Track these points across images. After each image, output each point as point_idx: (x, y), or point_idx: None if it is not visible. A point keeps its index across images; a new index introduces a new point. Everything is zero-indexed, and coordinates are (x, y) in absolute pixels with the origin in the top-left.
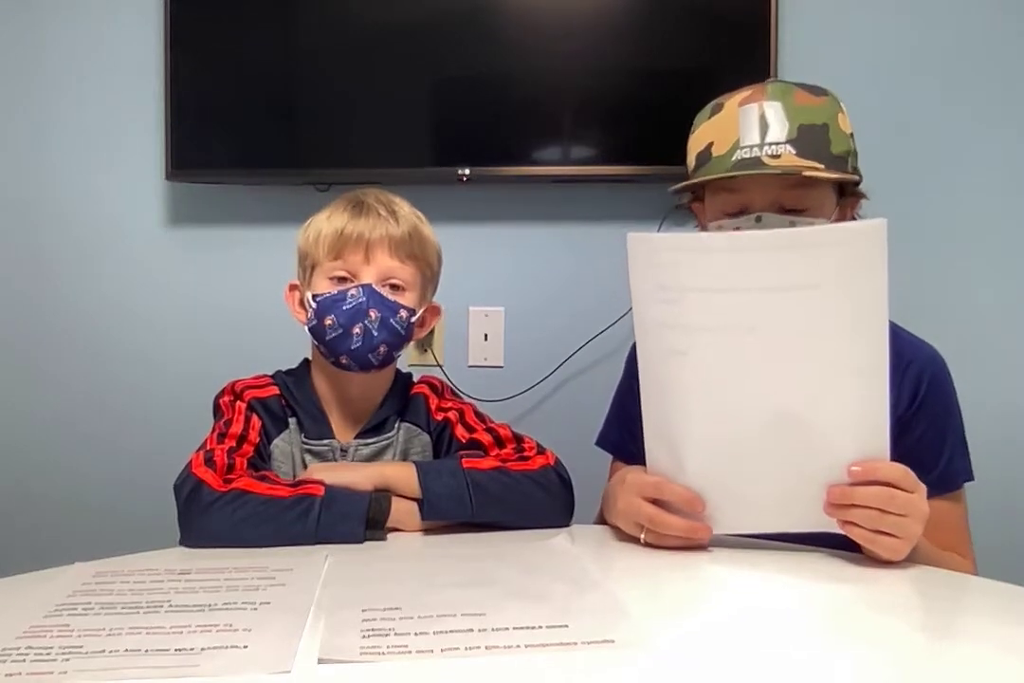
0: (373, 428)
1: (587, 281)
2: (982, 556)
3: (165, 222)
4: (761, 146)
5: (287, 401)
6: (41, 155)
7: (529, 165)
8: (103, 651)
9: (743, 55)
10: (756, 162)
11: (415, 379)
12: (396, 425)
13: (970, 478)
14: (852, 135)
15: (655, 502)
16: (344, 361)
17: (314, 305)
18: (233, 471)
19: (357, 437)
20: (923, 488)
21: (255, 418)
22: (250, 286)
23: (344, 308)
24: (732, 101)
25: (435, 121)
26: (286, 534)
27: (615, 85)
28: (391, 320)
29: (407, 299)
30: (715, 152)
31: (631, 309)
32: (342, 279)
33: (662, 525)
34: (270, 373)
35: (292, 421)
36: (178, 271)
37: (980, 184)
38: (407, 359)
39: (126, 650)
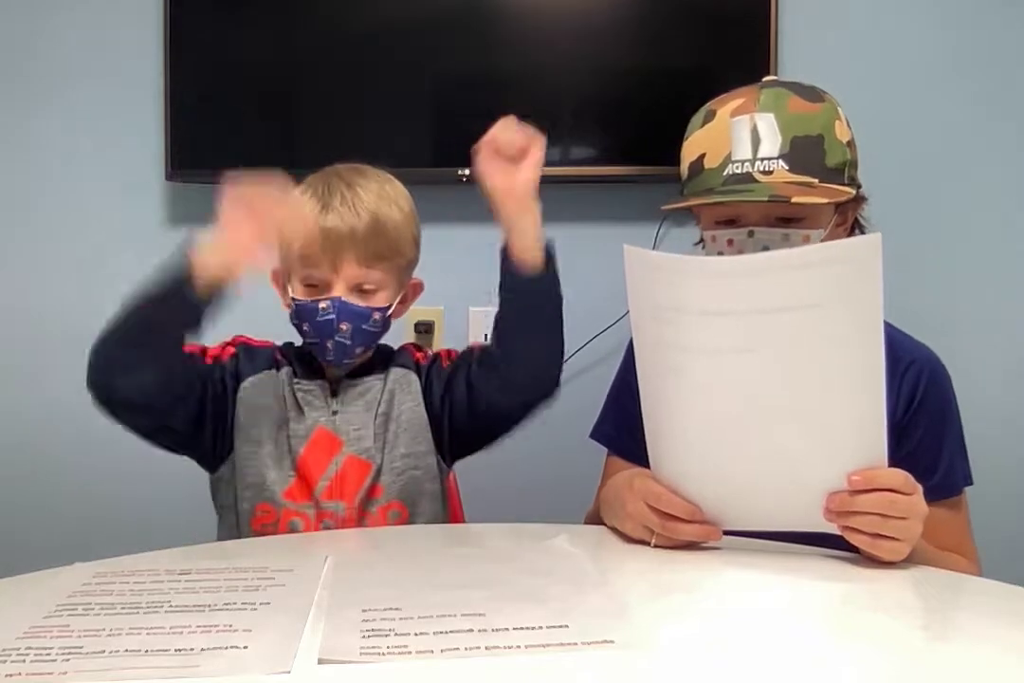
0: (359, 372)
1: (586, 281)
2: (982, 557)
3: (165, 222)
4: (753, 161)
5: (283, 354)
6: (41, 155)
7: None
8: (103, 651)
9: (743, 54)
10: (747, 177)
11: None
12: (382, 369)
13: (969, 482)
14: (851, 142)
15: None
16: (322, 361)
17: (293, 307)
18: None
19: (346, 378)
20: (920, 488)
21: (230, 350)
22: (249, 286)
23: (317, 320)
24: (725, 110)
25: (435, 121)
26: (142, 303)
27: (614, 85)
28: (363, 326)
29: (381, 298)
30: (707, 164)
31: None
32: (315, 286)
33: (675, 532)
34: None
35: (286, 369)
36: None
37: (980, 183)
38: None
39: (126, 650)
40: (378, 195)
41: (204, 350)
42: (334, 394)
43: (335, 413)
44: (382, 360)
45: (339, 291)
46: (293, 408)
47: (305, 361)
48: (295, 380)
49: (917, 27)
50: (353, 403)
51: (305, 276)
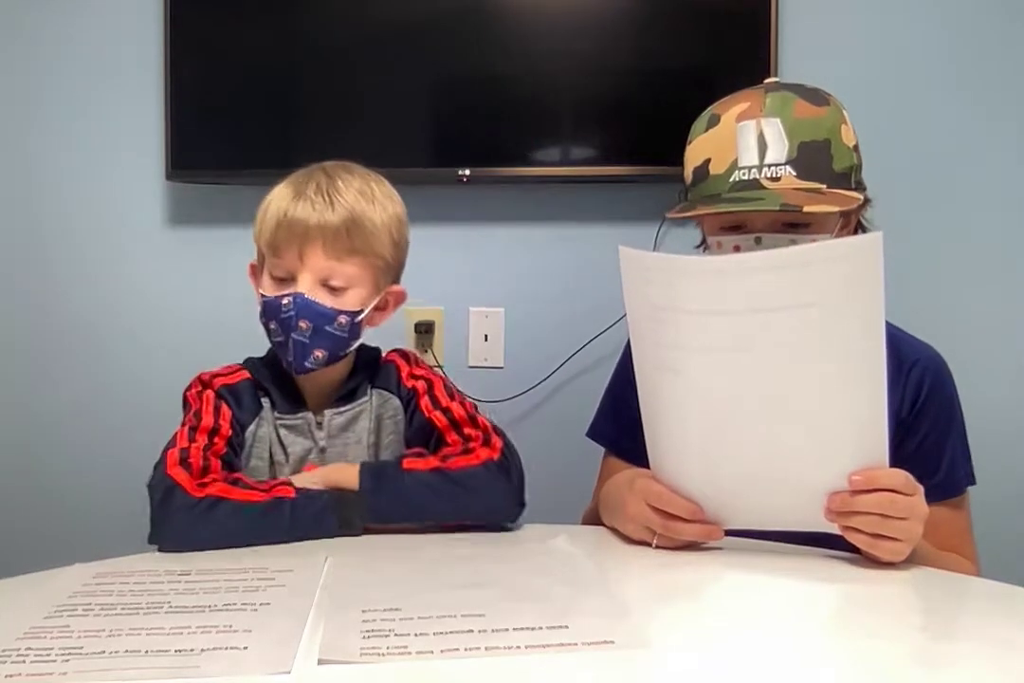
0: (344, 397)
1: (587, 281)
2: (982, 557)
3: (165, 222)
4: (760, 168)
5: (259, 383)
6: (41, 155)
7: (529, 166)
8: (103, 652)
9: (743, 55)
10: (754, 184)
11: (384, 353)
12: (368, 392)
13: (972, 482)
14: (856, 145)
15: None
16: (285, 365)
17: (261, 304)
18: (208, 473)
19: (329, 407)
20: (921, 489)
21: (224, 407)
22: (250, 286)
23: (280, 316)
24: (729, 114)
25: (435, 121)
26: (262, 539)
27: (615, 85)
28: (326, 327)
29: (350, 298)
30: (713, 170)
31: None
32: (283, 279)
33: (676, 532)
34: (240, 362)
35: (265, 401)
36: (178, 271)
37: (983, 183)
38: None
39: (126, 651)
40: (359, 191)
41: (216, 429)
42: (319, 425)
43: (323, 451)
44: (366, 375)
45: (305, 284)
46: (278, 448)
47: (282, 385)
48: (276, 416)
49: (918, 27)
50: (341, 436)
51: (273, 266)
